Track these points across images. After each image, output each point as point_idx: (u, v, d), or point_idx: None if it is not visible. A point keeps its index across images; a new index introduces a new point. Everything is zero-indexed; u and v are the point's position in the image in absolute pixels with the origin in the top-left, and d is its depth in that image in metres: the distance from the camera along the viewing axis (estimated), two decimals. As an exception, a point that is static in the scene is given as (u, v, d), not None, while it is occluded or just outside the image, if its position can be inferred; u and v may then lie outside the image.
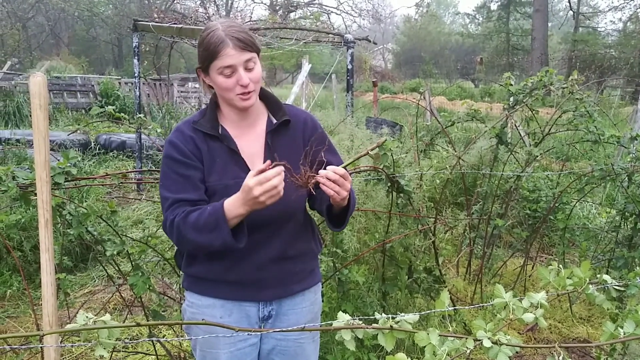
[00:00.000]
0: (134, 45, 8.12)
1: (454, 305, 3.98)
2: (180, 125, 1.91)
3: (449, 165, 4.21)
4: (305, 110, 2.07)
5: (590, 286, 1.77)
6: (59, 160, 2.48)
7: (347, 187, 1.71)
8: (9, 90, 14.65)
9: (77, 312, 3.91)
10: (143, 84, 15.19)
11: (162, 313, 2.99)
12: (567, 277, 1.71)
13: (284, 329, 1.50)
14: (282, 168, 1.63)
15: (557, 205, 4.75)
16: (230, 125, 1.89)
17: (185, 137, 1.85)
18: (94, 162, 9.28)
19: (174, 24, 7.81)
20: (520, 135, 5.08)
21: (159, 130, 2.91)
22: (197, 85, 19.08)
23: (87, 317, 1.40)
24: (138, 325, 1.38)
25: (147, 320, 3.02)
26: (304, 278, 2.03)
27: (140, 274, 2.72)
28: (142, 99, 8.83)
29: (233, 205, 1.69)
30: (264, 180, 1.61)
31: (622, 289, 2.02)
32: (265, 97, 1.96)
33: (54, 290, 1.73)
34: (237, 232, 1.75)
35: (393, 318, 1.53)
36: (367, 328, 1.48)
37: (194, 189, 1.81)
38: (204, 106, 2.04)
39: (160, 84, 16.75)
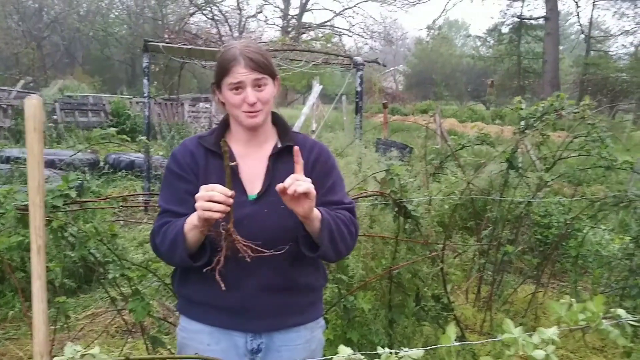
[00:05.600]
0: (144, 65, 8.16)
1: (462, 334, 3.88)
2: (187, 140, 1.97)
3: (459, 189, 4.15)
4: (317, 141, 2.04)
5: (604, 321, 1.69)
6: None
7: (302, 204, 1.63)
8: (21, 109, 14.78)
9: (76, 336, 3.83)
10: (154, 103, 15.28)
11: (163, 339, 2.93)
12: (580, 312, 1.64)
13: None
14: (230, 192, 1.59)
15: (569, 231, 4.65)
16: (237, 144, 1.89)
17: (185, 151, 1.90)
18: (102, 182, 9.27)
19: (184, 44, 7.84)
20: (532, 159, 5.01)
21: (161, 153, 2.87)
22: (207, 106, 19.18)
23: (74, 350, 1.34)
24: (127, 359, 1.31)
25: (147, 346, 2.96)
26: (298, 312, 1.94)
27: (140, 299, 2.67)
28: (152, 118, 8.85)
29: (191, 217, 1.70)
30: (207, 189, 1.59)
31: (637, 324, 1.93)
32: (277, 123, 1.97)
33: (46, 319, 1.68)
34: (200, 251, 1.76)
35: (397, 353, 1.45)
36: (368, 363, 1.40)
37: (180, 202, 1.83)
38: (214, 126, 2.04)
39: (170, 103, 16.83)
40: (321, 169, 1.91)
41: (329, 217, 1.75)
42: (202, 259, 1.74)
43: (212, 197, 1.56)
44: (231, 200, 1.58)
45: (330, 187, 1.89)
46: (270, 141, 1.92)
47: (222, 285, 1.57)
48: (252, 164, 1.88)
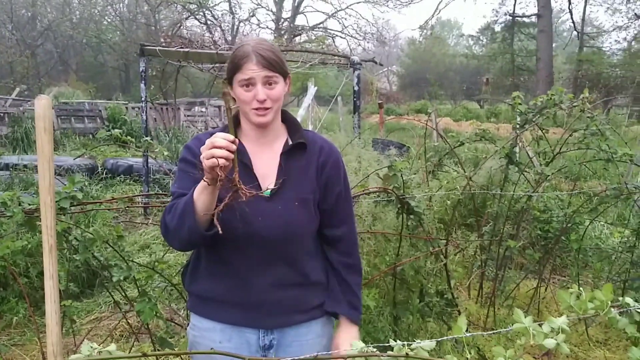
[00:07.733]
0: (140, 69, 8.14)
1: (468, 330, 3.89)
2: (200, 134, 1.98)
3: (459, 186, 4.16)
4: (326, 139, 2.04)
5: (612, 310, 1.71)
6: (65, 185, 2.45)
7: None
8: (17, 117, 14.77)
9: (83, 340, 3.83)
10: (150, 108, 15.27)
11: (170, 340, 2.93)
12: (589, 301, 1.65)
13: (293, 358, 1.43)
14: (232, 138, 1.56)
15: (570, 225, 4.66)
16: (248, 141, 1.90)
17: (200, 144, 1.88)
18: (100, 187, 9.25)
19: (181, 48, 7.84)
20: (529, 155, 5.02)
21: (165, 154, 2.88)
22: (203, 110, 19.17)
23: (91, 347, 1.35)
24: (144, 355, 1.32)
25: (154, 348, 2.96)
26: (310, 307, 1.96)
27: (147, 300, 2.67)
28: (149, 123, 8.83)
29: (200, 183, 1.66)
30: (210, 139, 1.57)
31: (644, 313, 1.94)
32: (287, 120, 1.98)
33: (59, 319, 1.68)
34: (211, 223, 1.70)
35: (409, 345, 1.46)
36: (381, 356, 1.41)
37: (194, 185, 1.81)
38: (210, 129, 2.05)
39: (167, 108, 16.82)
40: (330, 173, 1.92)
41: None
42: (212, 229, 1.67)
43: (214, 143, 1.54)
44: (234, 146, 1.55)
45: (339, 194, 1.91)
46: (280, 138, 1.93)
47: (219, 228, 1.53)
48: (264, 161, 1.89)
